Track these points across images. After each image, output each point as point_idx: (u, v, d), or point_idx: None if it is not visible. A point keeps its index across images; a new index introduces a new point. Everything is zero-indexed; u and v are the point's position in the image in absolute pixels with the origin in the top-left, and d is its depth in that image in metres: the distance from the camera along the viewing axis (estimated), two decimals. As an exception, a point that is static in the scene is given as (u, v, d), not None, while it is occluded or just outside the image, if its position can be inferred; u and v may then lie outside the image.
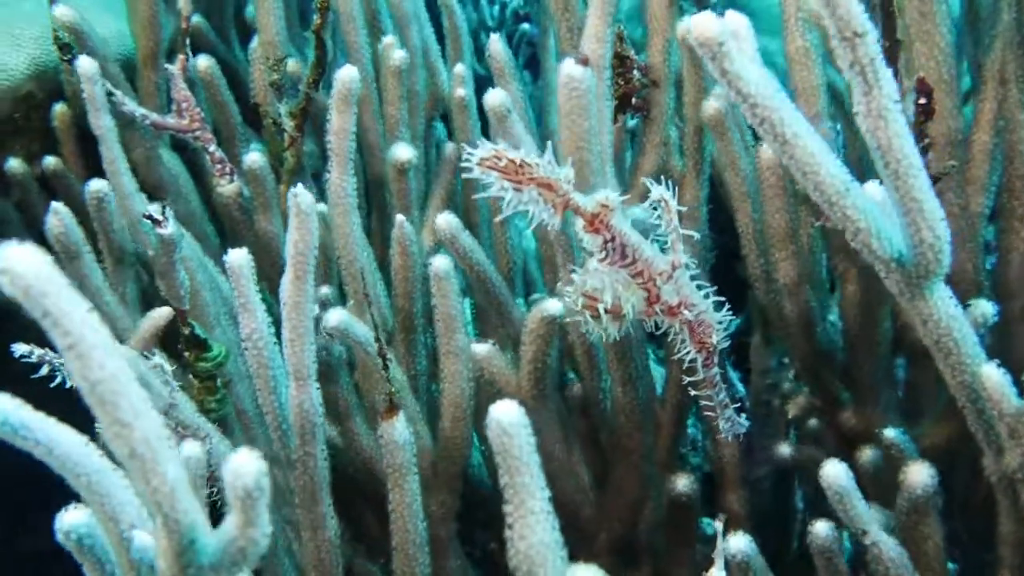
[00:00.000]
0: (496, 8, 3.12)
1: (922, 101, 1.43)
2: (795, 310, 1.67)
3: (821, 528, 1.33)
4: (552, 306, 1.43)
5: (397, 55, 1.94)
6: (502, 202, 1.14)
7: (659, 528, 1.72)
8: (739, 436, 1.34)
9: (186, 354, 1.60)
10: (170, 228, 1.51)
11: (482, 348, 1.53)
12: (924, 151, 1.46)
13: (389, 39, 1.96)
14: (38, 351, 1.37)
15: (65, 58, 1.90)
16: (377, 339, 1.37)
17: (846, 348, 1.70)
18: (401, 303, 1.64)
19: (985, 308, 1.37)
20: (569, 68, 1.26)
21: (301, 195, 1.21)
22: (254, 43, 2.06)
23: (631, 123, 1.78)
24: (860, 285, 1.65)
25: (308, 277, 1.25)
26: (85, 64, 1.59)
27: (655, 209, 1.20)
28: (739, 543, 1.30)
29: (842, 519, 1.25)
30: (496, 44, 1.74)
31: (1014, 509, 1.29)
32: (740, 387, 1.65)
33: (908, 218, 1.05)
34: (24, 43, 2.03)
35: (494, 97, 1.40)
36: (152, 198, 2.04)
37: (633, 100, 1.63)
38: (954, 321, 1.13)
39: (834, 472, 1.21)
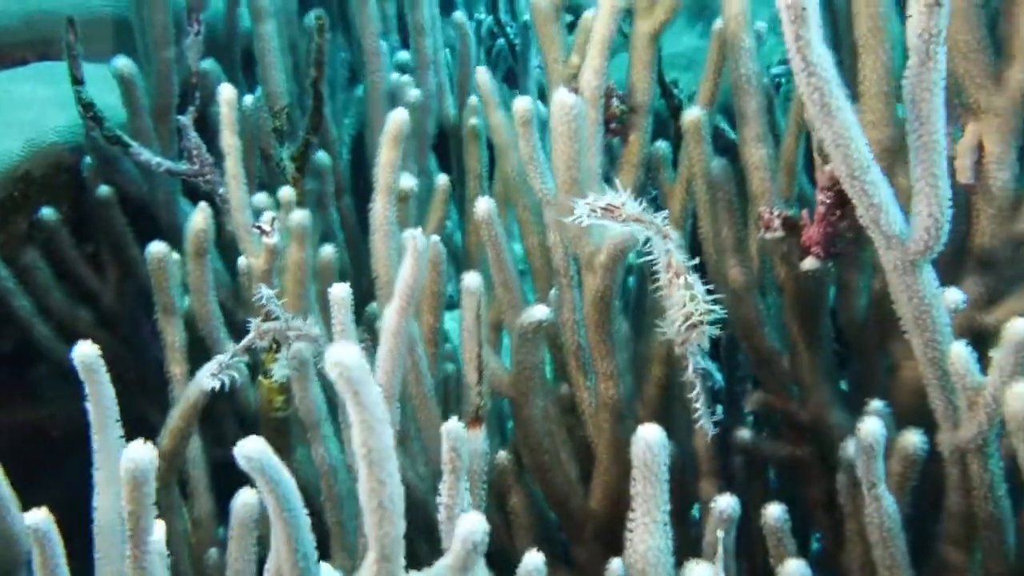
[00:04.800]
0: (472, 25, 3.25)
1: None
2: (745, 313, 1.79)
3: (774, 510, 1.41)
4: (539, 312, 1.57)
5: (412, 93, 2.25)
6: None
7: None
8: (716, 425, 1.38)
9: (264, 356, 1.73)
10: (275, 238, 1.68)
11: (477, 351, 1.71)
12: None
13: (405, 77, 2.25)
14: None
15: (89, 115, 2.09)
16: (478, 354, 1.50)
17: (790, 347, 1.81)
18: (427, 319, 1.76)
19: (955, 295, 1.45)
20: (562, 95, 1.42)
21: (419, 238, 1.26)
22: (259, 92, 2.26)
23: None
24: (800, 290, 1.74)
25: (410, 309, 1.31)
26: (226, 90, 1.79)
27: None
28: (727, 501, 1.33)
29: (860, 471, 1.33)
30: (482, 75, 1.93)
31: (962, 481, 1.41)
32: (718, 376, 1.70)
33: (920, 194, 1.15)
34: (20, 127, 2.20)
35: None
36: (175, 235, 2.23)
37: (611, 125, 1.79)
38: (935, 299, 1.27)
39: (872, 430, 1.28)
